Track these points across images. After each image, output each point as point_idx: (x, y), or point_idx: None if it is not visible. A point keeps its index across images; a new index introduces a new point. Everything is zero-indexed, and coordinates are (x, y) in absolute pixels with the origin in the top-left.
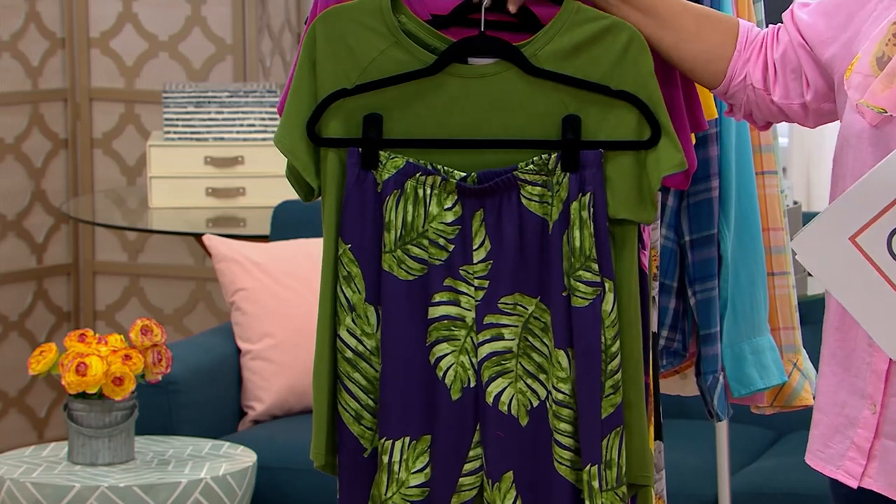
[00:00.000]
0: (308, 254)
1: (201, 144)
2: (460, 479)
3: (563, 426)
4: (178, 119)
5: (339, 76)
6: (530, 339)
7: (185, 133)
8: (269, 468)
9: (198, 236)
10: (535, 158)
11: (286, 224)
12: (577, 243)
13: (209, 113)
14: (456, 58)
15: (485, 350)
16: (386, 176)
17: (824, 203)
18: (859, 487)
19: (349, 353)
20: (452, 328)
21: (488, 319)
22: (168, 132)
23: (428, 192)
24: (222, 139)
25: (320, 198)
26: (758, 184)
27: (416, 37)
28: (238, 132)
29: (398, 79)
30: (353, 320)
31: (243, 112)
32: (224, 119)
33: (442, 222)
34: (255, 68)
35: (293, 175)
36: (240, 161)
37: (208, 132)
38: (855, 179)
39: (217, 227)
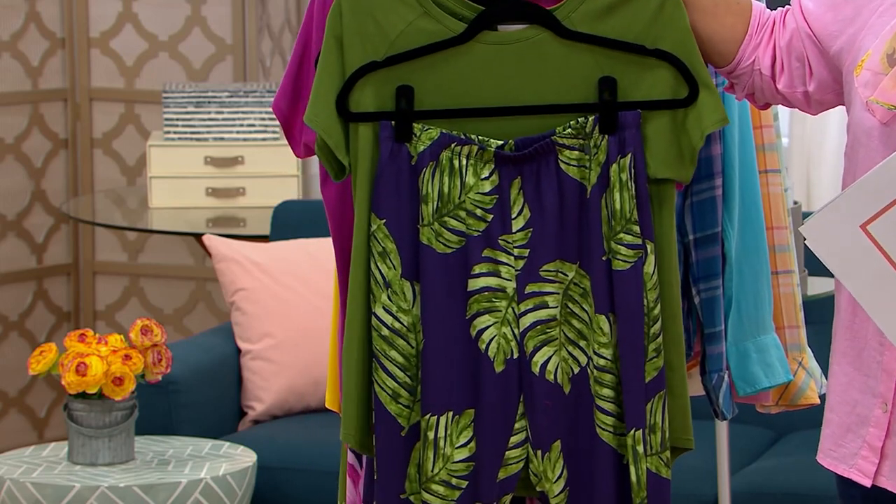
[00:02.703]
0: (308, 254)
1: (201, 144)
2: (507, 453)
3: (606, 392)
4: (178, 119)
5: (368, 51)
6: (570, 305)
7: (185, 133)
8: (269, 468)
9: (198, 236)
10: (572, 122)
11: (286, 224)
12: (618, 206)
13: (209, 113)
14: (486, 25)
15: (528, 319)
16: (421, 148)
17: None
18: (873, 486)
19: (385, 331)
20: (493, 299)
21: (530, 288)
22: (168, 132)
23: (464, 162)
24: (222, 139)
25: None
26: (761, 182)
27: (445, 6)
28: (238, 132)
29: (429, 49)
30: (388, 297)
31: (243, 112)
32: (224, 119)
33: (479, 192)
34: (255, 68)
35: (324, 154)
36: (240, 161)
37: (208, 132)
38: None
39: (217, 227)
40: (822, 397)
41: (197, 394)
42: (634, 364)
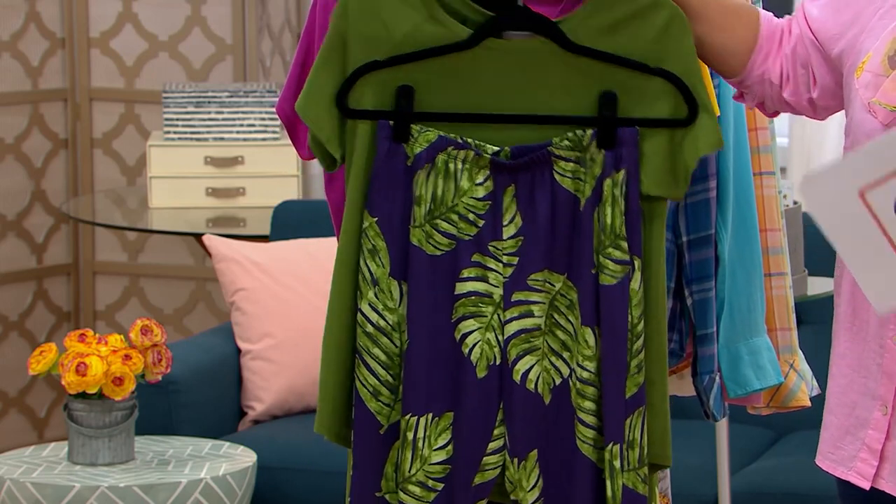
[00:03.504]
0: (308, 254)
1: (201, 144)
2: (484, 458)
3: (588, 405)
4: (178, 119)
5: (371, 50)
6: (556, 316)
7: (185, 133)
8: (269, 468)
9: (198, 236)
10: (569, 134)
11: (286, 224)
12: (608, 220)
13: (209, 113)
14: (492, 32)
15: (513, 327)
16: (417, 149)
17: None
18: (872, 489)
19: (370, 328)
20: (479, 304)
21: (517, 296)
22: (168, 132)
23: (459, 166)
24: (222, 139)
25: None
26: (755, 184)
27: (452, 9)
28: (238, 132)
29: (432, 52)
30: (375, 294)
31: (243, 112)
32: (224, 119)
33: (472, 197)
34: (255, 68)
35: (316, 145)
36: (240, 161)
37: (208, 132)
38: None
39: (217, 227)
40: (813, 399)
41: (197, 394)
42: (615, 379)
